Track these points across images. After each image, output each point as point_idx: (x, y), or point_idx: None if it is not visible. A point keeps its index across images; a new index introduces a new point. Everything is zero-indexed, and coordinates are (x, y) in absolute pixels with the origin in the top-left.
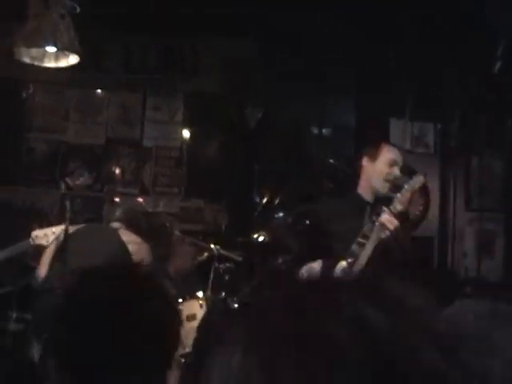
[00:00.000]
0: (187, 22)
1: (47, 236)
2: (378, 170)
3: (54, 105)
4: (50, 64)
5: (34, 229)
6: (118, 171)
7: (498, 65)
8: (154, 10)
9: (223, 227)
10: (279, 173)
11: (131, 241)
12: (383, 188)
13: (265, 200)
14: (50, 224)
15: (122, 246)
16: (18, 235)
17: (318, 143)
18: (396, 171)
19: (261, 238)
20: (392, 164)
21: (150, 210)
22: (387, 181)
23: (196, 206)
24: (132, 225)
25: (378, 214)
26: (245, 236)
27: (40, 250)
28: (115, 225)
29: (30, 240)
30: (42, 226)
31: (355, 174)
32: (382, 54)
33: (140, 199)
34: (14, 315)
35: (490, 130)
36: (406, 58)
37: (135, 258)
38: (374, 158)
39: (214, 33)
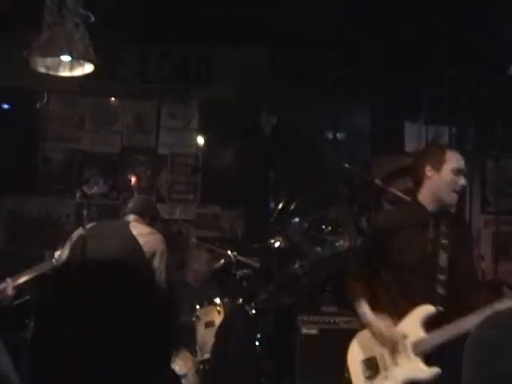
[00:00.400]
0: (202, 32)
1: None
2: (444, 180)
3: (69, 114)
4: (65, 73)
5: (49, 238)
6: (133, 179)
7: (511, 67)
8: (169, 19)
9: (239, 233)
10: (294, 179)
11: (141, 233)
12: (451, 199)
13: (280, 206)
14: (66, 233)
15: (131, 239)
16: (35, 244)
17: (333, 148)
18: (463, 181)
19: (277, 244)
20: (458, 173)
21: (166, 217)
22: (454, 191)
23: (212, 213)
24: (145, 214)
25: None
26: (261, 242)
27: None
28: (129, 217)
29: (53, 260)
30: (58, 236)
31: (417, 181)
32: (394, 58)
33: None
34: (32, 324)
35: (506, 132)
36: (419, 62)
37: (146, 249)
38: (438, 166)
39: (228, 42)
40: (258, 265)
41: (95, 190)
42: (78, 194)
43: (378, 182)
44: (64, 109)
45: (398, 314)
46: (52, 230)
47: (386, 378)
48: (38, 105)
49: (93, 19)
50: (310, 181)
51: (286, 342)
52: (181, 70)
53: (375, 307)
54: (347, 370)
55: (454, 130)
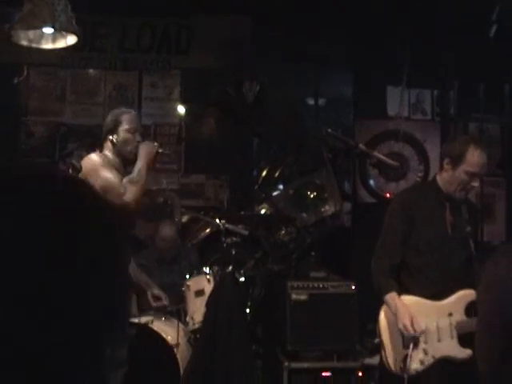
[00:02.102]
0: (182, 2)
1: None
2: (457, 177)
3: (50, 87)
4: (48, 46)
5: None
6: None
7: (493, 29)
8: None
9: (225, 202)
10: (278, 146)
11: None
12: (459, 196)
13: (264, 173)
14: None
15: None
16: None
17: (316, 114)
18: (476, 183)
19: (263, 211)
20: (473, 176)
21: (153, 187)
22: (464, 190)
23: (196, 182)
24: None
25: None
26: (247, 210)
27: None
28: None
29: None
30: None
31: (440, 164)
32: (377, 22)
33: None
34: None
35: (488, 95)
36: (401, 25)
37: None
38: (456, 164)
39: (209, 11)
40: (246, 232)
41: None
42: (61, 167)
43: (361, 146)
44: (44, 82)
45: (420, 292)
46: None
47: (426, 352)
48: (16, 79)
49: None
50: (293, 147)
51: (276, 308)
52: (161, 41)
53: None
54: (379, 336)
55: (435, 93)
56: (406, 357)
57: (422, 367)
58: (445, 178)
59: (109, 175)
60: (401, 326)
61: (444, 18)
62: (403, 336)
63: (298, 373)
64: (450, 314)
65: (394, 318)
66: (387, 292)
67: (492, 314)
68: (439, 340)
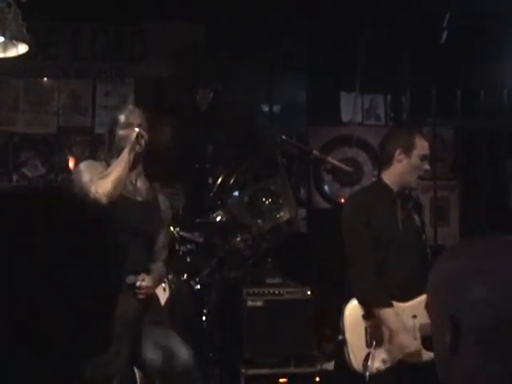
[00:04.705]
0: (135, 8)
1: None
2: (412, 164)
3: (2, 96)
4: None
5: None
6: (71, 160)
7: (444, 35)
8: None
9: (180, 210)
10: (232, 153)
11: None
12: (415, 182)
13: (219, 180)
14: None
15: None
16: None
17: (270, 121)
18: (427, 166)
19: (218, 218)
20: (425, 159)
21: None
22: (418, 175)
23: None
24: None
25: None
26: (202, 217)
27: None
28: None
29: None
30: None
31: (385, 161)
32: (331, 29)
33: None
34: None
35: (440, 99)
36: (354, 31)
37: None
38: (409, 151)
39: (162, 18)
40: (201, 240)
41: (32, 172)
42: (15, 178)
43: (315, 152)
44: None
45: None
46: None
47: (389, 351)
48: None
49: None
50: (247, 154)
51: (233, 316)
52: (115, 48)
53: None
54: (343, 333)
55: (388, 98)
56: (368, 355)
57: (384, 366)
58: (399, 171)
59: (84, 179)
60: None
61: (396, 22)
62: (367, 334)
63: (256, 379)
64: (414, 316)
65: (359, 315)
66: (382, 306)
67: (439, 307)
68: (401, 341)
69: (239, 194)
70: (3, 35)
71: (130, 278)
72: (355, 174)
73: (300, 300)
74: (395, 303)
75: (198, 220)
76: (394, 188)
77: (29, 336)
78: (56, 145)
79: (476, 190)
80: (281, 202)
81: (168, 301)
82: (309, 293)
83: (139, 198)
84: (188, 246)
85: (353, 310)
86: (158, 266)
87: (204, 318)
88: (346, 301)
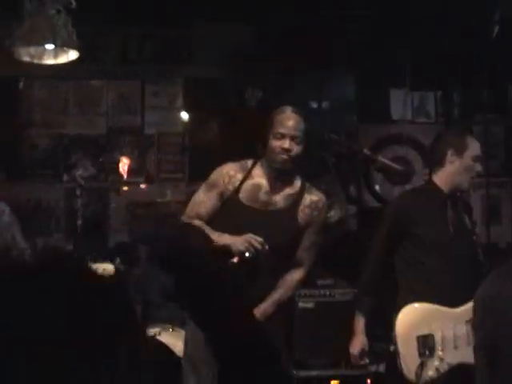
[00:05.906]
0: (184, 10)
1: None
2: (465, 166)
3: (52, 99)
4: (50, 61)
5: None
6: (121, 160)
7: (495, 29)
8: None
9: None
10: None
11: None
12: (468, 184)
13: None
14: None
15: None
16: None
17: (319, 119)
18: (479, 167)
19: None
20: (477, 160)
21: (158, 200)
22: (471, 177)
23: None
24: None
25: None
26: None
27: None
28: None
29: None
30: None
31: (436, 162)
32: (379, 24)
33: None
34: None
35: (491, 95)
36: (402, 27)
37: None
38: (461, 152)
39: (209, 20)
40: None
41: (81, 172)
42: (65, 179)
43: (366, 151)
44: (47, 94)
45: (427, 297)
46: (43, 217)
47: (442, 359)
48: (20, 91)
49: (74, 5)
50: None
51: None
52: (163, 49)
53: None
54: (395, 343)
55: (439, 95)
56: (421, 364)
57: (437, 374)
58: (450, 172)
59: None
60: None
61: (445, 19)
62: (419, 344)
63: (307, 381)
64: (468, 322)
65: (410, 325)
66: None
67: (477, 328)
68: (456, 347)
69: None
70: (54, 42)
71: None
72: (406, 172)
73: (351, 301)
74: (445, 309)
75: None
76: (445, 189)
77: None
78: (106, 145)
79: None
80: (331, 201)
81: None
82: None
83: None
84: None
85: (404, 319)
86: None
87: None
88: (398, 308)
